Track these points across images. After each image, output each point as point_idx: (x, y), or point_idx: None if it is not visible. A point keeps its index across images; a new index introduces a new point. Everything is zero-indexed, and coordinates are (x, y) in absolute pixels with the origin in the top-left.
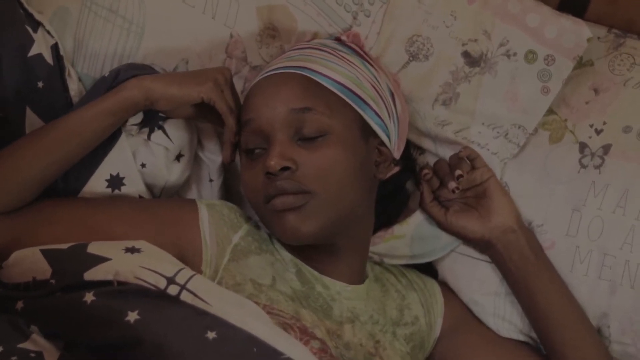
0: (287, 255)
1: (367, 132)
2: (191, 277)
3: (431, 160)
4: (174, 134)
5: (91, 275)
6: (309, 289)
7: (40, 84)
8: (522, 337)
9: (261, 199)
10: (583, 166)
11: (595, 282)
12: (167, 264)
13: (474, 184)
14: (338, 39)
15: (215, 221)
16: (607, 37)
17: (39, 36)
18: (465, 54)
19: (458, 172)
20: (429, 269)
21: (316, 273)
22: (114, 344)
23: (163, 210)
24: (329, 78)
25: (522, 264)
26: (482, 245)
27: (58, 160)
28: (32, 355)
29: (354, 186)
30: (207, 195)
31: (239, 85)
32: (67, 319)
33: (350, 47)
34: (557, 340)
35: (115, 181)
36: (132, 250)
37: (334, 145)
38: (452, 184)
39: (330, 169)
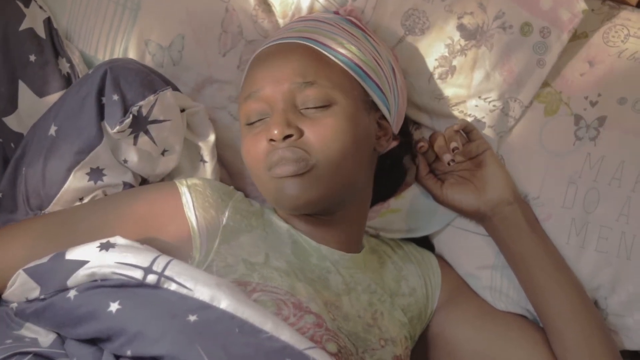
0: (283, 225)
1: (369, 105)
2: (168, 263)
3: (427, 134)
4: (160, 137)
5: (73, 281)
6: (304, 262)
7: (32, 58)
8: (518, 310)
9: (263, 167)
10: (578, 138)
11: (592, 254)
12: (142, 254)
13: (470, 156)
14: (337, 13)
15: (200, 205)
16: (601, 8)
17: (30, 11)
18: (461, 27)
19: (453, 144)
20: (425, 244)
21: (313, 243)
22: (100, 336)
23: (142, 204)
24: (334, 50)
25: (518, 237)
26: (478, 218)
27: None
28: (27, 340)
29: (355, 157)
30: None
31: (234, 59)
32: (54, 316)
33: (350, 21)
34: (553, 312)
35: (96, 174)
36: (107, 246)
37: (337, 116)
38: (447, 157)
39: (333, 139)
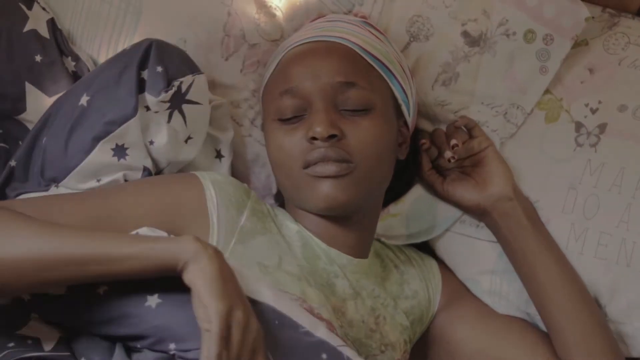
0: (293, 227)
1: (397, 110)
2: None
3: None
4: (191, 119)
5: None
6: (313, 265)
7: (37, 58)
8: (518, 314)
9: (299, 164)
10: (579, 144)
11: (591, 260)
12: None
13: (472, 152)
14: (355, 15)
15: (223, 202)
16: (601, 16)
17: (33, 13)
18: (465, 34)
19: (453, 141)
20: (425, 250)
21: (323, 245)
22: (134, 333)
23: (167, 194)
24: (368, 52)
25: (519, 233)
26: (479, 213)
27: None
28: (30, 342)
29: (386, 163)
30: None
31: (237, 63)
32: (76, 312)
33: (369, 24)
34: (553, 309)
35: (120, 151)
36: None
37: (376, 121)
38: (448, 154)
39: (372, 144)
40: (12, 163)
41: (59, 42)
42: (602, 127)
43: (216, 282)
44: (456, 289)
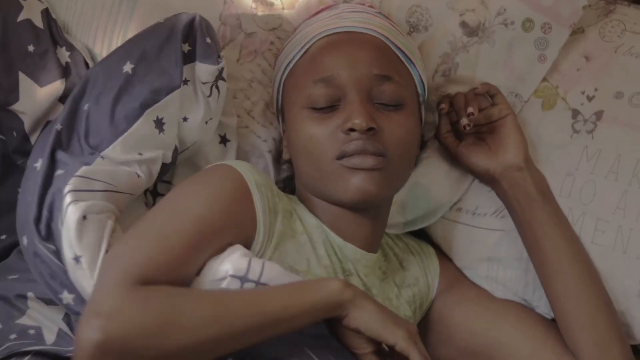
0: (314, 222)
1: (419, 104)
2: (262, 269)
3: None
4: (223, 99)
5: None
6: (334, 264)
7: (31, 48)
8: (516, 300)
9: (332, 154)
10: (575, 131)
11: (588, 246)
12: (235, 259)
13: (491, 119)
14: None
15: (264, 207)
16: (597, 4)
17: (28, 3)
18: (463, 24)
19: (470, 109)
20: (422, 237)
21: (339, 240)
22: None
23: (220, 212)
24: (396, 45)
25: (527, 205)
26: (488, 179)
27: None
28: (32, 332)
29: (412, 159)
30: (216, 157)
31: (234, 52)
32: None
33: (382, 14)
34: (559, 286)
35: (160, 125)
36: None
37: (408, 116)
38: (464, 121)
39: (405, 139)
40: (58, 127)
41: (53, 32)
42: (599, 115)
43: (384, 318)
44: (453, 274)
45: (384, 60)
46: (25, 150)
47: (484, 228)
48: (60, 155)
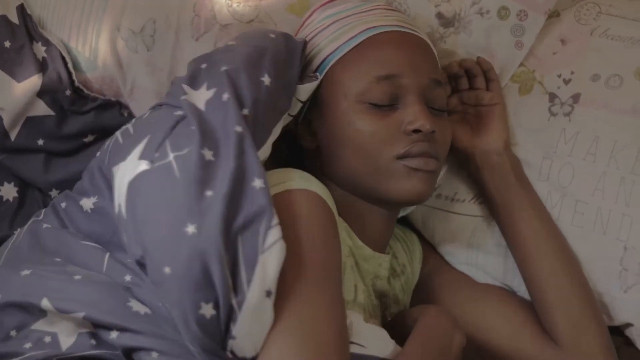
0: (342, 224)
1: None
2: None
3: None
4: None
5: None
6: (366, 285)
7: (7, 44)
8: (497, 284)
9: (392, 152)
10: (553, 114)
11: (568, 228)
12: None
13: (480, 103)
14: None
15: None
16: None
17: None
18: (439, 15)
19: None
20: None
21: (360, 243)
22: None
23: (333, 243)
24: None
25: (503, 188)
26: (464, 158)
27: None
28: (47, 339)
29: None
30: None
31: (208, 44)
32: None
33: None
34: (534, 268)
35: None
36: None
37: (448, 121)
38: (454, 101)
39: (449, 144)
40: (246, 111)
41: (28, 27)
42: (576, 97)
43: None
44: (435, 259)
45: (437, 66)
46: (5, 146)
47: (463, 214)
48: None
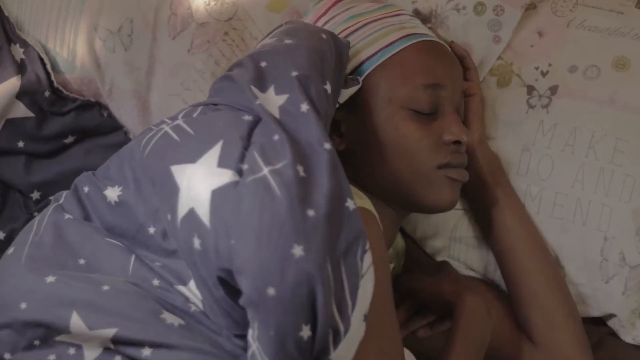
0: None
1: None
2: None
3: None
4: None
5: None
6: None
7: None
8: (478, 278)
9: (436, 161)
10: (531, 106)
11: (548, 220)
12: None
13: None
14: None
15: None
16: None
17: None
18: (416, 12)
19: None
20: None
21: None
22: None
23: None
24: None
25: (478, 184)
26: None
27: None
28: (72, 351)
29: None
30: None
31: (185, 42)
32: None
33: None
34: (509, 267)
35: None
36: None
37: None
38: None
39: None
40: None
41: (6, 29)
42: (554, 89)
43: None
44: (417, 252)
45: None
46: None
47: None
48: None
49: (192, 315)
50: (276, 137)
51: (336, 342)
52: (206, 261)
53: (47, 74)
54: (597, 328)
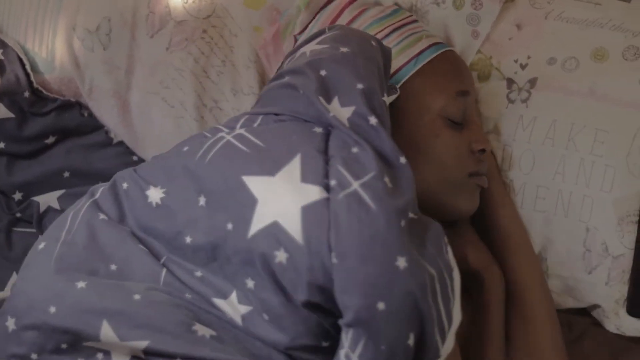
0: None
1: None
2: None
3: None
4: None
5: None
6: None
7: None
8: None
9: (468, 169)
10: (511, 101)
11: (530, 214)
12: None
13: None
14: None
15: None
16: None
17: None
18: (396, 6)
19: None
20: None
21: None
22: None
23: None
24: None
25: None
26: None
27: None
28: (100, 356)
29: None
30: None
31: (164, 41)
32: None
33: None
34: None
35: None
36: None
37: None
38: None
39: None
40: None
41: None
42: (533, 82)
43: None
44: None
45: None
46: None
47: None
48: None
49: (224, 326)
50: (355, 149)
51: (443, 338)
52: (293, 275)
53: (27, 74)
54: (582, 318)
